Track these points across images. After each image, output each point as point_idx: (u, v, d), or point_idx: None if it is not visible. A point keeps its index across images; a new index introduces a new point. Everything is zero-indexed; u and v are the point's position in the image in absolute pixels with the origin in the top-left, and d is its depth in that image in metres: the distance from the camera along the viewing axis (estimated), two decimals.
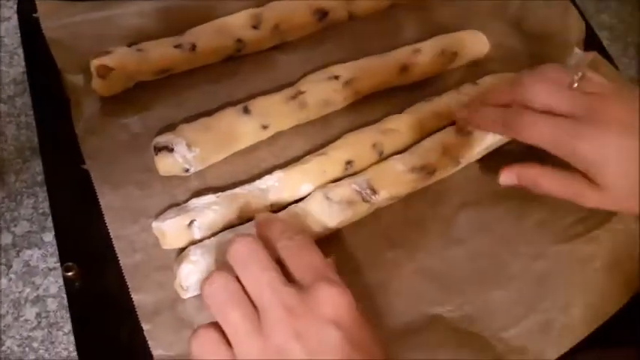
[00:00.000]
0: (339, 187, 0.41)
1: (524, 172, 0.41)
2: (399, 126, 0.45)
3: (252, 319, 0.29)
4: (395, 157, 0.44)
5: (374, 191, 0.41)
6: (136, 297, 0.38)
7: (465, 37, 0.50)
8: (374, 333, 0.30)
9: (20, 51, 0.46)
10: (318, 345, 0.28)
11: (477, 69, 0.50)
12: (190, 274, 0.37)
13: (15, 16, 0.44)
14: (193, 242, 0.39)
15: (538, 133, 0.38)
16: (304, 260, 0.32)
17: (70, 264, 0.37)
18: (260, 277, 0.30)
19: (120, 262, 0.39)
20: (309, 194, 0.42)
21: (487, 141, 0.45)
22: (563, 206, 0.41)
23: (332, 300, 0.29)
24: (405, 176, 0.43)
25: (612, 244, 0.43)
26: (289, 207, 0.41)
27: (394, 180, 0.42)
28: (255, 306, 0.30)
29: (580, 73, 0.38)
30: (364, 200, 0.41)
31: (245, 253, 0.31)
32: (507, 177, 0.42)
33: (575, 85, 0.38)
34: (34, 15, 0.43)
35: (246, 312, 0.29)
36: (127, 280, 0.38)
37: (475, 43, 0.50)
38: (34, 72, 0.44)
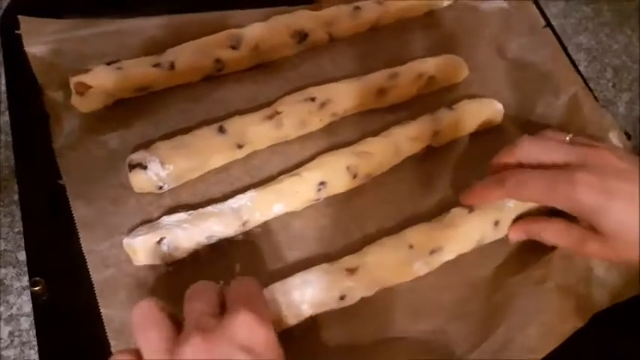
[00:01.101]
0: None
1: (530, 229, 0.44)
2: (374, 149, 0.45)
3: (169, 341, 0.29)
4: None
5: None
6: (105, 312, 0.38)
7: (443, 61, 0.50)
8: None
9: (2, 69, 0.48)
10: None
11: (455, 93, 0.51)
12: None
13: None
14: (164, 259, 0.40)
15: (534, 187, 0.40)
16: (241, 290, 0.33)
17: (37, 279, 0.38)
18: (194, 307, 0.31)
19: (91, 277, 0.39)
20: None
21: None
22: (526, 251, 0.44)
23: (248, 327, 0.29)
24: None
25: (564, 267, 0.43)
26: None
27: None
28: None
29: (571, 134, 0.41)
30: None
31: (197, 289, 0.33)
32: (515, 235, 0.44)
33: (568, 138, 0.41)
34: (16, 32, 0.44)
35: (165, 334, 0.30)
36: (97, 296, 0.39)
37: (454, 68, 0.51)
38: (14, 89, 0.44)
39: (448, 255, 0.43)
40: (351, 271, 0.41)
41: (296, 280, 0.40)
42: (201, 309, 0.31)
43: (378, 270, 0.41)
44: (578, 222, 0.40)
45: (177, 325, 0.31)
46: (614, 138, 0.48)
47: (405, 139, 0.46)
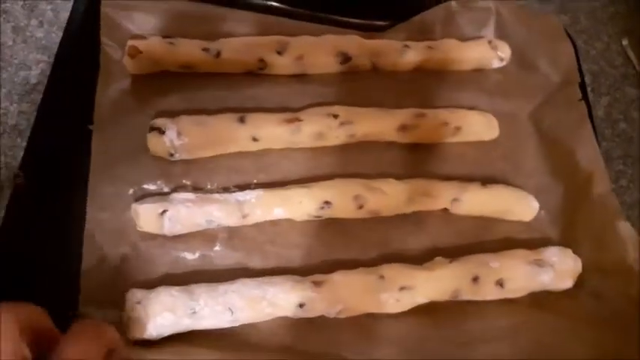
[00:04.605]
0: None
1: None
2: (389, 190, 0.46)
3: None
4: None
5: None
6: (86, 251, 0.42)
7: (474, 116, 0.51)
8: None
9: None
10: None
11: (481, 151, 0.51)
12: None
13: None
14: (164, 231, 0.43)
15: None
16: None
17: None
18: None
19: (87, 215, 0.43)
20: None
21: None
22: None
23: None
24: None
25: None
26: None
27: None
28: None
29: None
30: None
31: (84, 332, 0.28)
32: None
33: None
34: None
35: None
36: (84, 234, 0.42)
37: (483, 126, 0.51)
38: (70, 38, 0.50)
39: (420, 297, 0.44)
40: (317, 283, 0.42)
41: (264, 278, 0.42)
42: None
43: (343, 289, 0.42)
44: None
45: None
46: (620, 227, 0.46)
47: (421, 194, 0.47)
